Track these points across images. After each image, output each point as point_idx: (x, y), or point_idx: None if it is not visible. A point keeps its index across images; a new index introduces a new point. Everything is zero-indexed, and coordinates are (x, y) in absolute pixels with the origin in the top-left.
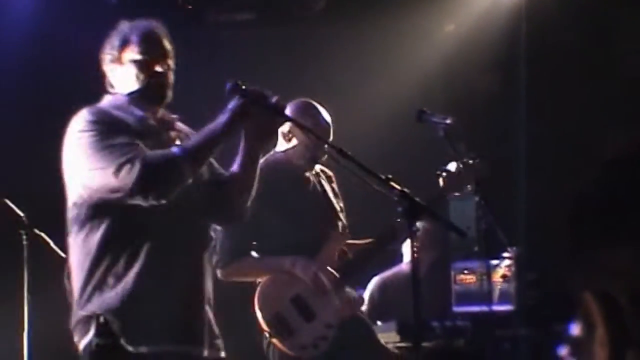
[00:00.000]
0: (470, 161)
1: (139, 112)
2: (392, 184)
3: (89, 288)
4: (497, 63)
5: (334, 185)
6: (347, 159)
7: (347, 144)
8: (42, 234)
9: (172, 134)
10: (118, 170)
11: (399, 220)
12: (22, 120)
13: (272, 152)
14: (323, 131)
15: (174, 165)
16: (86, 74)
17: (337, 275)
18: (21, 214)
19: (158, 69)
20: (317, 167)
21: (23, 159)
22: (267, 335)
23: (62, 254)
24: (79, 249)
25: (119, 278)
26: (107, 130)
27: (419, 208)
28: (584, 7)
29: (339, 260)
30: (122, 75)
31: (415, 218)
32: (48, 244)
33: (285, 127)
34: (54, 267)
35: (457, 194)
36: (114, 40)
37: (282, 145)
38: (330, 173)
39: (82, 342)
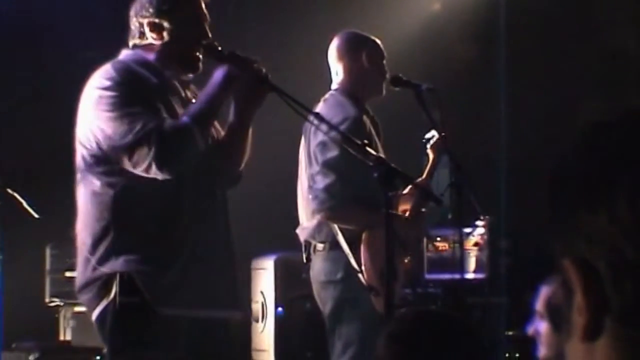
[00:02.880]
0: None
1: (166, 72)
2: (368, 149)
3: (105, 245)
4: (476, 32)
5: None
6: (324, 123)
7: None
8: (15, 194)
9: (189, 93)
10: (133, 148)
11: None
12: None
13: None
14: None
15: (189, 136)
16: (67, 31)
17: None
18: None
19: (205, 38)
20: None
21: None
22: (373, 292)
23: (35, 215)
24: (92, 197)
25: (142, 239)
26: (130, 93)
27: (394, 173)
28: None
29: None
30: (164, 33)
31: (391, 183)
32: (21, 203)
33: None
34: (27, 228)
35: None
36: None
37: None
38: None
39: (101, 303)
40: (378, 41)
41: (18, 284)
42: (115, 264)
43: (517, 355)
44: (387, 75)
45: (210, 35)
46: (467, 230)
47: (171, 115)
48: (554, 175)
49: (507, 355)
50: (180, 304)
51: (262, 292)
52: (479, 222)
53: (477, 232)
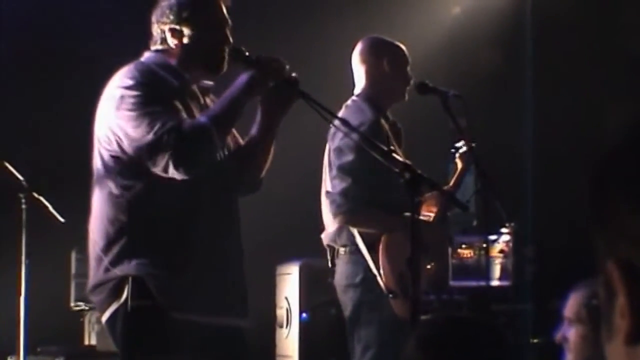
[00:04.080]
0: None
1: (186, 76)
2: (394, 155)
3: (119, 247)
4: (502, 39)
5: None
6: (351, 130)
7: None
8: (41, 198)
9: (208, 100)
10: (153, 146)
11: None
12: (22, 84)
13: None
14: (400, 74)
15: (207, 136)
16: (89, 35)
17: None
18: (20, 177)
19: (223, 45)
20: None
21: (23, 123)
22: (391, 295)
23: (61, 219)
24: (109, 199)
25: (156, 243)
26: (152, 93)
27: (420, 179)
28: None
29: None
30: (184, 39)
31: (417, 190)
32: (46, 207)
33: None
34: (52, 231)
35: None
36: (177, 7)
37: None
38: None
39: (112, 305)
40: (402, 47)
41: (43, 288)
42: (129, 267)
43: None
44: (412, 82)
45: (231, 40)
46: (493, 237)
47: (189, 118)
48: (597, 176)
49: None
50: (191, 310)
51: (286, 298)
52: (504, 229)
53: (503, 239)
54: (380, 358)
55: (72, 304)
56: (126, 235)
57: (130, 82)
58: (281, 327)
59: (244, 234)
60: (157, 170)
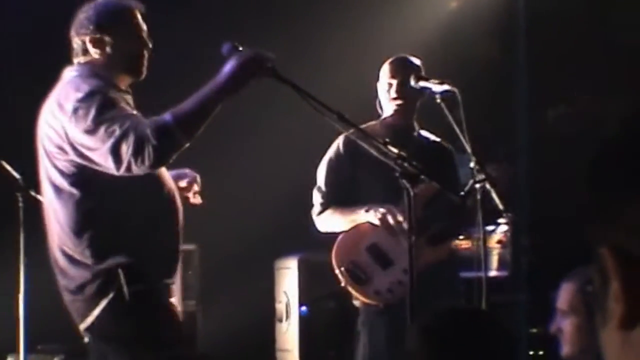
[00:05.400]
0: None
1: (114, 82)
2: (390, 147)
3: (98, 245)
4: (495, 30)
5: None
6: (347, 124)
7: (344, 110)
8: (38, 196)
9: (131, 103)
10: (114, 149)
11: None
12: (19, 81)
13: None
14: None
15: (167, 135)
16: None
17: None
18: (17, 176)
19: (142, 50)
20: None
21: (20, 121)
22: (343, 284)
23: None
24: (76, 207)
25: (130, 234)
26: (102, 101)
27: (416, 172)
28: None
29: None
30: (106, 47)
31: (413, 181)
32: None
33: None
34: None
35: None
36: (95, 17)
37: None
38: None
39: (100, 303)
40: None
41: (43, 286)
42: (115, 259)
43: (540, 353)
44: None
45: (150, 44)
46: (490, 228)
47: None
48: (595, 164)
49: (531, 353)
50: (167, 292)
51: (285, 292)
52: (501, 220)
53: (500, 230)
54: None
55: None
56: (103, 232)
57: (79, 95)
58: (281, 321)
59: (243, 228)
60: (121, 171)
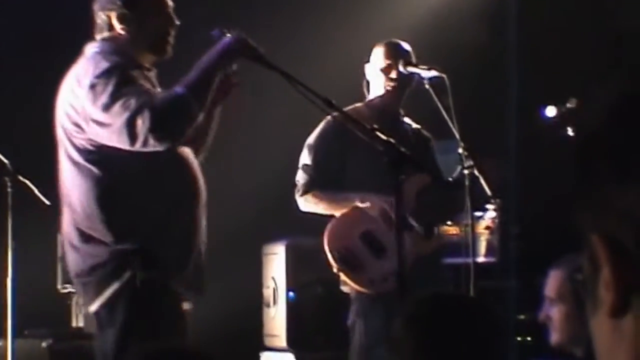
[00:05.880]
0: (569, 105)
1: (138, 59)
2: (378, 133)
3: (117, 226)
4: (486, 14)
5: None
6: (335, 109)
7: (334, 96)
8: (26, 181)
9: (154, 82)
10: (129, 123)
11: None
12: (6, 67)
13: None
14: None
15: (184, 104)
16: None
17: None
18: (5, 160)
19: (169, 28)
20: None
21: (7, 105)
22: (335, 270)
23: (46, 201)
24: (94, 186)
25: (150, 217)
26: (118, 77)
27: (404, 158)
28: None
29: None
30: (132, 24)
31: (401, 168)
32: (32, 190)
33: None
34: (38, 214)
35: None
36: None
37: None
38: None
39: (111, 285)
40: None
41: (30, 271)
42: (132, 242)
43: (529, 339)
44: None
45: (176, 21)
46: (478, 214)
47: None
48: (582, 148)
49: (519, 339)
50: (183, 279)
51: (273, 278)
52: (489, 206)
53: (488, 216)
54: (354, 330)
55: (59, 287)
56: (122, 211)
57: (97, 71)
58: (268, 306)
59: (229, 214)
60: (138, 146)
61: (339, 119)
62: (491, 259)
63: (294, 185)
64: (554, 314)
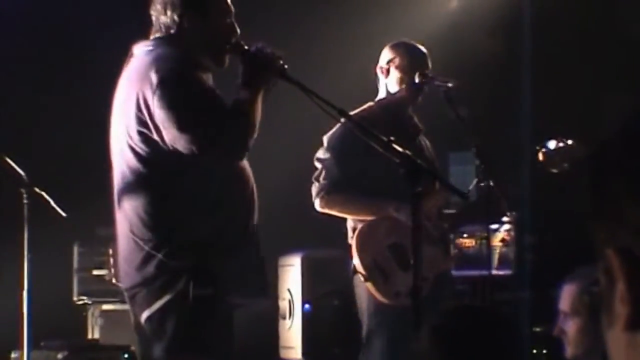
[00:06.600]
0: (569, 142)
1: (196, 60)
2: (394, 146)
3: (172, 241)
4: (501, 26)
5: None
6: (350, 120)
7: (350, 107)
8: (43, 193)
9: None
10: (203, 137)
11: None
12: (23, 78)
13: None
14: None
15: (244, 121)
16: (92, 27)
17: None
18: (22, 172)
19: (233, 30)
20: None
21: (24, 117)
22: (362, 278)
23: (63, 213)
24: (156, 197)
25: (208, 232)
26: (190, 82)
27: (420, 170)
28: None
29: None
30: (192, 26)
31: (417, 180)
32: (48, 202)
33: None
34: (54, 226)
35: (554, 170)
36: None
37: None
38: None
39: (162, 298)
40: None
41: (46, 282)
42: (186, 258)
43: (544, 351)
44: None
45: (237, 28)
46: (494, 226)
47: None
48: (598, 164)
49: (534, 351)
50: (239, 293)
51: (289, 290)
52: (505, 218)
53: (504, 228)
54: (374, 342)
55: (75, 298)
56: (175, 224)
57: (162, 72)
58: (284, 318)
59: None
60: (195, 152)
61: (355, 131)
62: (506, 271)
63: (311, 183)
64: (569, 328)
